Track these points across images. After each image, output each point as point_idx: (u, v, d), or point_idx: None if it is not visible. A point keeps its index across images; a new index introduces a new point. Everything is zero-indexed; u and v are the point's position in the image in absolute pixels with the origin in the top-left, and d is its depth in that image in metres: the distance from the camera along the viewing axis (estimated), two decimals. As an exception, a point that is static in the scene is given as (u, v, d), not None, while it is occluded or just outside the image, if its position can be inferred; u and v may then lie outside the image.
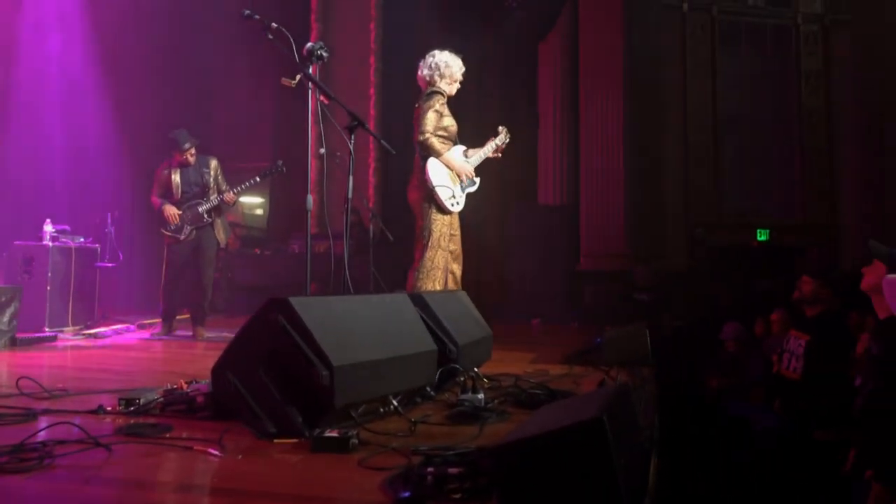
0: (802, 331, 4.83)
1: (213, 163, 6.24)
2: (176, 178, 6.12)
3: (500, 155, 5.03)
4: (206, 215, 6.12)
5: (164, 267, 6.21)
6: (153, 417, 2.73)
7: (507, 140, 5.01)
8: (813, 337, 4.71)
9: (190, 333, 6.17)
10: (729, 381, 7.00)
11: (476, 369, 3.70)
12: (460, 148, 4.83)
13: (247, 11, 3.70)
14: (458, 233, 4.86)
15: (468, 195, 4.86)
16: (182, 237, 6.09)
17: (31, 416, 2.71)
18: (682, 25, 11.87)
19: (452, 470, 1.91)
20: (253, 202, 12.87)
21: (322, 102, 3.73)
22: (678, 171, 11.44)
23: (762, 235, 11.75)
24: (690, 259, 11.21)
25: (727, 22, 12.12)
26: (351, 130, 3.75)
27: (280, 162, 6.25)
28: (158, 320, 6.41)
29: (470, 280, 5.61)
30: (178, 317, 6.41)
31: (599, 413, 1.68)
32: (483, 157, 4.92)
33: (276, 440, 2.39)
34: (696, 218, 11.49)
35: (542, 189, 10.83)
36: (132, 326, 6.68)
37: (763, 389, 6.42)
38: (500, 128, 5.04)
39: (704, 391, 7.17)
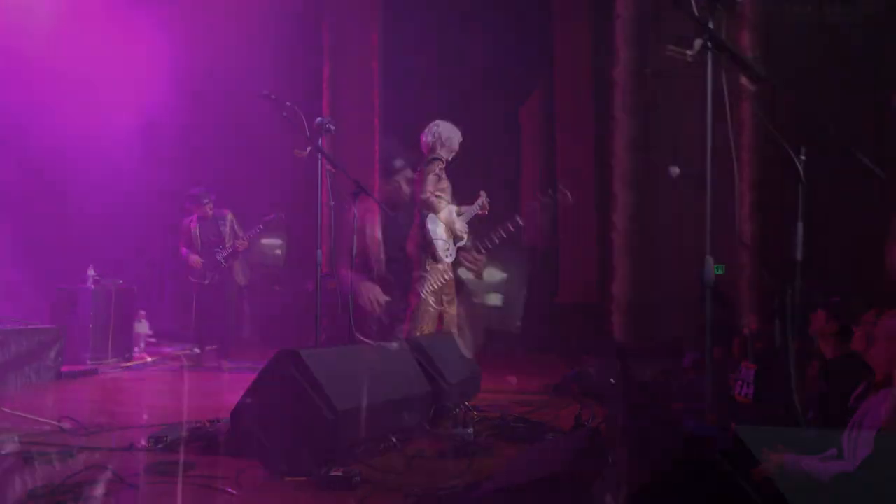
0: (752, 362, 4.83)
1: (229, 216, 6.33)
2: (196, 230, 6.21)
3: (486, 212, 5.05)
4: (223, 261, 6.20)
5: (193, 309, 6.27)
6: (178, 454, 2.69)
7: (488, 200, 5.05)
8: (759, 367, 4.72)
9: (216, 365, 6.15)
10: (689, 404, 6.96)
11: (466, 403, 3.68)
12: (453, 207, 4.86)
13: (265, 91, 3.70)
14: (451, 278, 4.85)
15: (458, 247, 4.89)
16: (206, 282, 6.17)
17: (69, 454, 2.67)
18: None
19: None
20: (273, 243, 12.86)
21: (330, 171, 3.74)
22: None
23: (719, 270, 11.74)
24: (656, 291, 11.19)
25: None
26: (355, 196, 3.75)
27: (280, 213, 6.41)
28: (188, 352, 6.42)
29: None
30: (207, 347, 6.42)
31: (563, 467, 1.67)
32: (471, 215, 4.96)
33: (287, 478, 2.35)
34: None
35: (527, 232, 10.82)
36: (165, 358, 6.63)
37: (717, 412, 6.39)
38: (481, 192, 5.10)
39: (668, 413, 7.11)
